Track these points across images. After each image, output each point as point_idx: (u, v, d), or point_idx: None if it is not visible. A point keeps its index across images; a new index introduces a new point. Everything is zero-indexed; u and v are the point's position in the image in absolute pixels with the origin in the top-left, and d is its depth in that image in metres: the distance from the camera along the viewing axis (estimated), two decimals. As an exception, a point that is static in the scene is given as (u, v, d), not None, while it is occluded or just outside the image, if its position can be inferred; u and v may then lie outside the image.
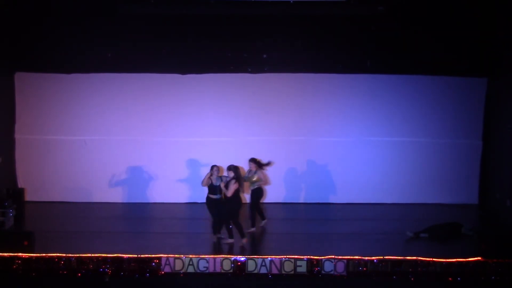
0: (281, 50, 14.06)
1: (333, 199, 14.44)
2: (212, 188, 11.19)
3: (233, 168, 10.91)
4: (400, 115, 14.41)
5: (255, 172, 11.97)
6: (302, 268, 9.98)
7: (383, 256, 10.03)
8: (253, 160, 12.08)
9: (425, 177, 14.42)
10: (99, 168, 14.30)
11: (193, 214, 13.55)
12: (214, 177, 11.18)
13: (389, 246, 10.95)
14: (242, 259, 10.04)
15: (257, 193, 12.07)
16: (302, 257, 10.04)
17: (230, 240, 11.03)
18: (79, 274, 9.96)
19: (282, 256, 10.04)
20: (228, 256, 10.09)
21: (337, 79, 14.36)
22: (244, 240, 10.98)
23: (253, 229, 11.90)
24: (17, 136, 14.36)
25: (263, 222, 12.44)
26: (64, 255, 10.03)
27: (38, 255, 10.04)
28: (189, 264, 9.98)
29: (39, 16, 13.30)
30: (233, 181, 10.85)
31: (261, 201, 12.37)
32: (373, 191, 14.44)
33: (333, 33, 13.70)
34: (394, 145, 14.47)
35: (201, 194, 14.07)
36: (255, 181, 11.99)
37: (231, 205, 10.94)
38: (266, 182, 12.45)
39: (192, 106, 14.34)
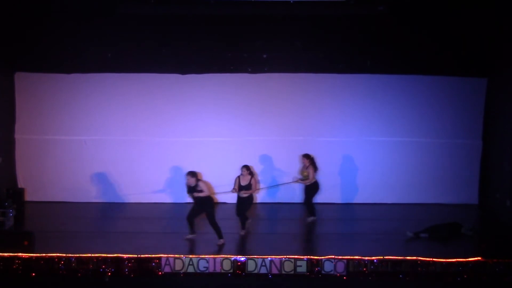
0: (281, 50, 14.05)
1: (333, 199, 14.43)
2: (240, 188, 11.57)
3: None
4: (400, 115, 14.40)
5: (307, 168, 12.60)
6: (302, 268, 9.98)
7: (383, 256, 10.04)
8: (306, 156, 12.65)
9: (425, 177, 14.41)
10: (99, 168, 14.30)
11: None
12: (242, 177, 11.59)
13: (389, 246, 10.95)
14: (242, 259, 10.04)
15: (313, 188, 12.70)
16: (302, 257, 10.04)
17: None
18: (79, 274, 9.96)
19: (282, 256, 10.04)
20: (228, 256, 10.09)
21: (337, 79, 14.36)
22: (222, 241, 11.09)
23: (313, 218, 12.72)
24: (17, 136, 14.36)
25: (311, 218, 12.78)
26: (64, 255, 10.03)
27: (38, 255, 10.04)
28: (189, 264, 9.98)
29: (39, 16, 13.30)
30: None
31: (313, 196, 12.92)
32: (373, 191, 14.44)
33: (333, 33, 13.71)
34: (394, 145, 14.46)
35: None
36: (305, 176, 12.62)
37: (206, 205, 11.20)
38: (312, 179, 12.76)
39: (192, 106, 14.33)
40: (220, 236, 11.07)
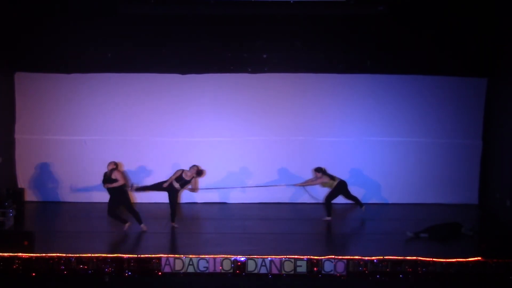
0: (281, 50, 14.05)
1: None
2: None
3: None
4: (400, 115, 14.40)
5: (319, 178, 13.02)
6: (302, 268, 9.98)
7: (383, 256, 10.04)
8: (317, 170, 12.97)
9: (425, 177, 14.41)
10: (99, 168, 14.28)
11: (193, 214, 13.56)
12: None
13: (389, 246, 10.95)
14: (242, 259, 10.04)
15: (337, 190, 13.05)
16: (302, 257, 10.04)
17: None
18: (79, 274, 9.97)
19: (282, 256, 10.05)
20: (228, 256, 10.09)
21: (337, 79, 14.36)
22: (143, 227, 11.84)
23: (329, 218, 12.86)
24: (17, 136, 14.36)
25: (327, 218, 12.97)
26: (64, 255, 10.03)
27: (38, 255, 10.04)
28: (189, 264, 9.98)
29: (39, 16, 13.30)
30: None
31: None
32: (373, 191, 14.44)
33: (333, 33, 13.70)
34: (394, 145, 14.46)
35: (201, 194, 14.26)
36: (329, 185, 13.05)
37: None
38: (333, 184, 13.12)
39: (192, 106, 14.34)
40: (140, 221, 11.73)
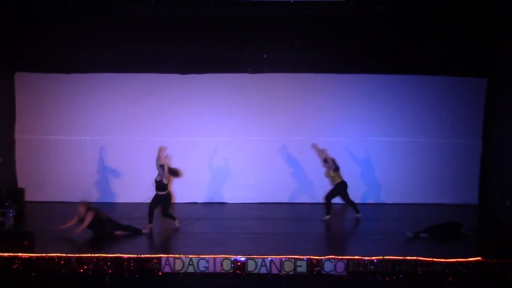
0: (281, 50, 14.07)
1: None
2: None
3: None
4: (400, 115, 14.40)
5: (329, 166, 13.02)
6: (302, 268, 9.98)
7: (383, 256, 10.04)
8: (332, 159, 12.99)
9: (425, 177, 14.41)
10: (99, 168, 14.30)
11: (193, 214, 13.55)
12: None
13: (389, 246, 10.95)
14: (242, 259, 10.05)
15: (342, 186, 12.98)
16: (302, 257, 10.04)
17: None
18: (79, 274, 9.97)
19: (282, 256, 10.05)
20: (228, 256, 10.09)
21: (337, 79, 14.36)
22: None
23: (328, 217, 12.91)
24: (17, 136, 14.36)
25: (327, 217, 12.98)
26: (64, 255, 10.03)
27: (38, 255, 10.04)
28: (189, 264, 9.98)
29: (39, 16, 13.32)
30: None
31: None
32: (373, 191, 14.44)
33: (333, 33, 13.72)
34: (394, 145, 14.46)
35: (201, 194, 14.27)
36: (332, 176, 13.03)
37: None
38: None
39: (192, 106, 14.34)
40: (138, 232, 11.61)
